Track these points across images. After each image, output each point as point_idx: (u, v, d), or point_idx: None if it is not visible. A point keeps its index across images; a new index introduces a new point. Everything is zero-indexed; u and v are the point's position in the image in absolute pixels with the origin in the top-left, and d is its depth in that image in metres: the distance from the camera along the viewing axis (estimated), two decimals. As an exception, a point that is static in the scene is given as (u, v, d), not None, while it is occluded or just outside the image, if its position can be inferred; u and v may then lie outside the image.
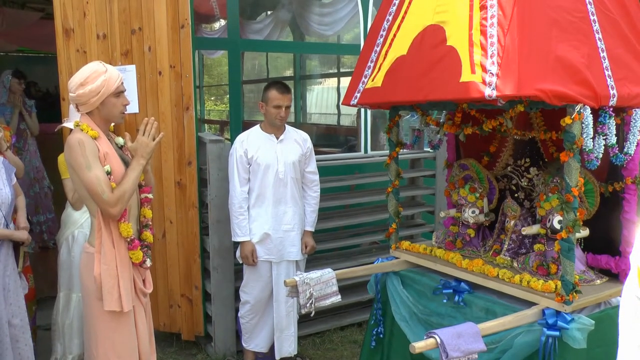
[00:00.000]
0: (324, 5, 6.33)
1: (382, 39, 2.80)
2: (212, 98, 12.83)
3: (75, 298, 3.58)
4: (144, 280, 2.68)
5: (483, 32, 2.25)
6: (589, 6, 2.35)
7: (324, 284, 2.84)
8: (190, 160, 3.84)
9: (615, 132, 2.34)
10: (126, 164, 2.59)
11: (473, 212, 2.98)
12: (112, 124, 2.68)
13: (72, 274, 3.56)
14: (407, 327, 2.88)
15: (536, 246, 2.72)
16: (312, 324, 4.28)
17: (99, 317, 2.53)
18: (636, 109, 2.44)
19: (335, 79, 8.08)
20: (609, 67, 2.32)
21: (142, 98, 3.74)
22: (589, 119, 2.23)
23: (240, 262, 3.69)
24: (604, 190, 2.61)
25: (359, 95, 2.87)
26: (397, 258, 3.15)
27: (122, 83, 2.57)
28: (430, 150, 4.66)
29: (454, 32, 2.37)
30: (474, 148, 3.26)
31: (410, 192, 4.80)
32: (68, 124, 2.88)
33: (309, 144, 3.75)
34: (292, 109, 5.02)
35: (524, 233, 2.72)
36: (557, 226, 2.55)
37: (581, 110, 2.21)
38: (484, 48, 2.23)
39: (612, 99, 2.29)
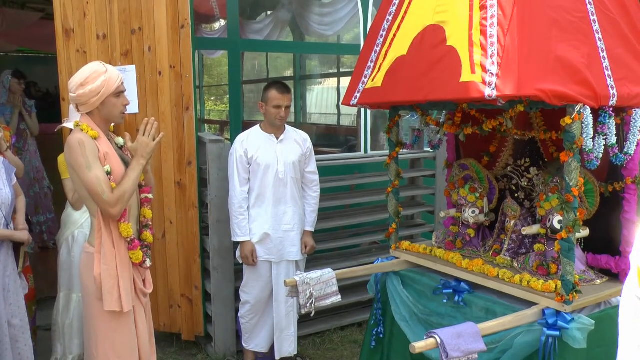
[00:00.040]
0: (324, 5, 6.33)
1: (382, 39, 2.80)
2: (212, 98, 12.83)
3: (75, 298, 3.58)
4: (144, 281, 2.68)
5: (483, 32, 2.25)
6: (589, 6, 2.35)
7: (324, 284, 2.84)
8: (190, 160, 3.84)
9: (615, 132, 2.34)
10: (126, 164, 2.59)
11: (473, 212, 2.98)
12: (112, 124, 2.68)
13: (72, 274, 3.56)
14: (407, 327, 2.88)
15: (536, 246, 2.72)
16: (312, 324, 4.28)
17: (99, 317, 2.53)
18: (636, 109, 2.44)
19: (335, 79, 8.08)
20: (609, 67, 2.32)
21: (142, 98, 3.74)
22: (589, 119, 2.23)
23: (240, 262, 3.69)
24: (604, 190, 2.61)
25: (359, 95, 2.87)
26: (397, 258, 3.15)
27: (122, 83, 2.57)
28: (430, 150, 4.66)
29: (454, 32, 2.37)
30: (474, 148, 3.26)
31: (410, 192, 4.80)
32: (68, 124, 2.89)
33: (308, 144, 3.75)
34: (292, 109, 5.02)
35: (524, 233, 2.72)
36: (557, 226, 2.55)
37: (581, 110, 2.21)
38: (484, 48, 2.23)
39: (612, 99, 2.29)
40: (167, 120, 3.77)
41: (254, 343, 3.76)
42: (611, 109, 2.32)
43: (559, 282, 2.36)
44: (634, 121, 2.43)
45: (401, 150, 3.18)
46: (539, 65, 2.16)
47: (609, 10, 2.41)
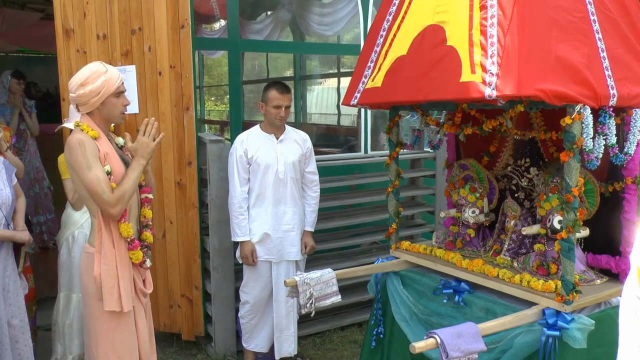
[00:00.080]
0: (324, 6, 6.33)
1: (382, 39, 2.80)
2: (212, 98, 12.82)
3: (75, 298, 3.58)
4: (144, 281, 2.68)
5: (483, 32, 2.25)
6: (589, 6, 2.35)
7: (324, 284, 2.84)
8: (190, 161, 3.84)
9: (615, 132, 2.34)
10: (126, 164, 2.59)
11: (473, 212, 2.98)
12: (112, 124, 2.68)
13: (72, 274, 3.56)
14: (407, 327, 2.88)
15: (536, 246, 2.72)
16: (312, 324, 4.28)
17: (99, 317, 2.53)
18: (636, 109, 2.44)
19: (335, 79, 8.08)
20: (609, 67, 2.32)
21: (142, 98, 3.74)
22: (589, 119, 2.23)
23: (240, 262, 3.69)
24: (604, 190, 2.61)
25: (359, 95, 2.87)
26: (397, 258, 3.15)
27: (123, 83, 2.57)
28: (430, 150, 4.66)
29: (454, 32, 2.37)
30: (474, 148, 3.26)
31: (410, 192, 4.80)
32: (68, 124, 2.89)
33: (308, 144, 3.75)
34: (292, 109, 5.02)
35: (524, 233, 2.72)
36: (557, 226, 2.55)
37: (581, 110, 2.21)
38: (484, 48, 2.23)
39: (612, 99, 2.29)
40: (167, 120, 3.77)
41: (254, 343, 3.76)
42: (611, 109, 2.32)
43: (559, 282, 2.36)
44: (634, 121, 2.43)
45: (401, 151, 3.19)
46: (539, 65, 2.16)
47: (609, 10, 2.41)
